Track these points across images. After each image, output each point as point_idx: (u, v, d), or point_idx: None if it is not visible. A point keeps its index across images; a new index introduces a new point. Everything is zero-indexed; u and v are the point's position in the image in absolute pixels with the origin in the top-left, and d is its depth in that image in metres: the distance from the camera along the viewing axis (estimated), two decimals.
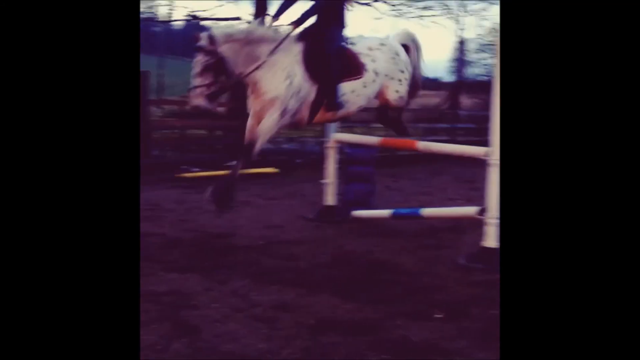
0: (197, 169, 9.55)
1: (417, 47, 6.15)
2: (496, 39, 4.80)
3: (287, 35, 5.25)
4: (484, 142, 4.98)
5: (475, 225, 5.10)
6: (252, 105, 5.32)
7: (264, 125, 5.19)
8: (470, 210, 5.23)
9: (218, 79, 5.00)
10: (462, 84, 18.50)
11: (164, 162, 10.15)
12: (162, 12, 16.70)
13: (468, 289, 4.30)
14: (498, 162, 4.56)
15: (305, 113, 5.37)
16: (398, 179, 9.80)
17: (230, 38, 5.06)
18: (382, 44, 5.75)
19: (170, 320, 3.54)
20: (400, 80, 5.78)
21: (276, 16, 5.46)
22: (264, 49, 5.16)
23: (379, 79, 5.63)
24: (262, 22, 5.48)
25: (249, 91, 5.32)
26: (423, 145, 6.00)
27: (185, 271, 4.47)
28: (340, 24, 5.51)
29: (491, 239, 4.77)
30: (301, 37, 5.37)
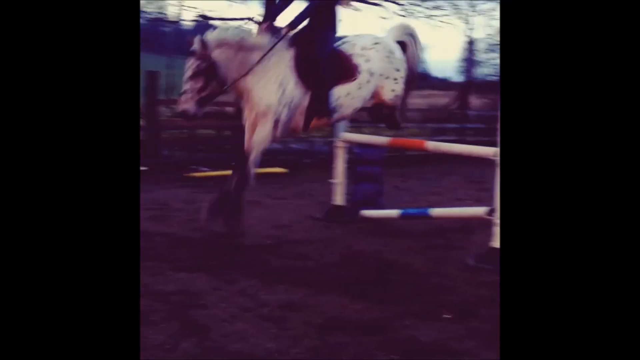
0: (206, 169, 9.57)
1: (415, 41, 6.02)
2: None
3: (278, 42, 5.18)
4: (493, 143, 4.96)
5: (484, 225, 5.08)
6: (247, 116, 5.26)
7: (257, 137, 5.13)
8: (479, 210, 5.21)
9: (209, 84, 4.97)
10: (472, 84, 18.45)
11: (173, 161, 10.18)
12: (171, 12, 16.76)
13: (477, 289, 4.29)
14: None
15: (300, 120, 5.32)
16: (407, 179, 9.78)
17: (223, 43, 5.02)
18: (376, 43, 5.63)
19: (178, 319, 3.54)
20: (396, 79, 5.69)
21: (268, 19, 5.40)
22: (258, 56, 5.12)
23: (373, 79, 5.54)
24: (258, 28, 5.47)
25: (243, 101, 5.27)
26: (432, 145, 5.99)
27: (193, 271, 4.47)
28: (332, 26, 5.44)
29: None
30: (292, 42, 5.30)
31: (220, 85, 5.09)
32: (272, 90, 5.12)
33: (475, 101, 16.58)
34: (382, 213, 6.40)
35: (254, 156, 5.13)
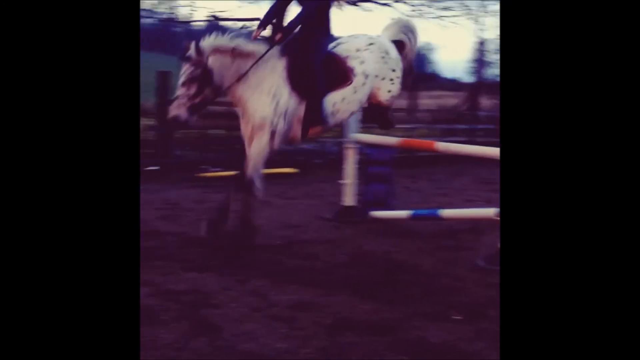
0: (217, 169, 9.60)
1: (413, 37, 5.90)
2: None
3: (269, 49, 5.08)
4: None
5: (494, 226, 5.07)
6: (244, 128, 5.19)
7: (253, 150, 5.07)
8: (489, 211, 5.21)
9: (202, 91, 4.88)
10: (482, 85, 18.41)
11: (185, 161, 10.21)
12: (183, 12, 16.82)
13: (486, 290, 4.29)
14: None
15: (297, 130, 5.24)
16: (417, 179, 9.78)
17: (218, 49, 4.94)
18: (371, 44, 5.52)
19: (189, 319, 3.56)
20: (392, 80, 5.59)
21: (262, 26, 5.29)
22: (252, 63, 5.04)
23: (369, 81, 5.44)
24: (252, 35, 5.28)
25: (240, 112, 5.19)
26: (442, 146, 5.99)
27: (204, 270, 4.50)
28: (326, 29, 5.34)
29: None
30: (285, 50, 5.19)
31: (214, 92, 5.01)
32: (266, 103, 5.04)
33: (485, 102, 16.53)
34: (392, 214, 6.41)
35: (252, 169, 5.06)
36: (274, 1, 5.44)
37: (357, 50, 5.44)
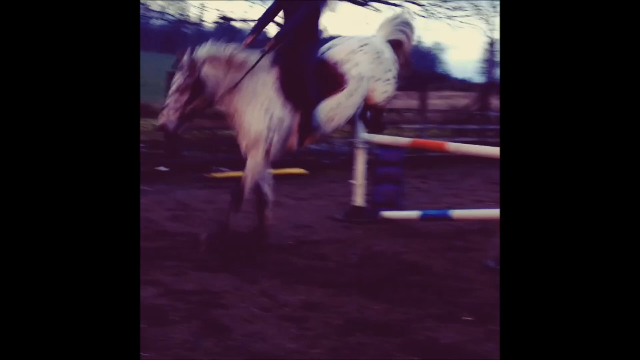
0: (227, 169, 9.62)
1: (410, 31, 5.80)
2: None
3: (259, 59, 4.96)
4: None
5: None
6: (240, 142, 5.12)
7: (249, 165, 5.02)
8: (499, 212, 5.18)
9: (193, 101, 4.78)
10: (492, 85, 18.34)
11: (194, 162, 10.24)
12: (193, 13, 16.87)
13: (496, 291, 4.26)
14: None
15: (293, 139, 5.18)
16: (427, 180, 9.76)
17: (212, 59, 4.84)
18: (364, 45, 5.41)
19: (199, 319, 3.57)
20: (387, 80, 5.50)
21: (253, 33, 5.18)
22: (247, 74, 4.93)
23: (363, 84, 5.35)
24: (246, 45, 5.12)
25: (235, 127, 5.11)
26: (453, 146, 5.97)
27: (214, 270, 4.50)
28: (316, 37, 5.23)
29: None
30: (275, 61, 5.07)
31: (205, 103, 4.91)
32: (260, 118, 4.96)
33: (496, 102, 16.47)
34: (402, 214, 6.40)
35: (248, 185, 5.01)
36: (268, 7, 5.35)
37: (350, 53, 5.33)
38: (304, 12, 5.06)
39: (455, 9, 16.40)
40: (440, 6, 16.06)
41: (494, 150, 5.79)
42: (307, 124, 5.10)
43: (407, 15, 6.05)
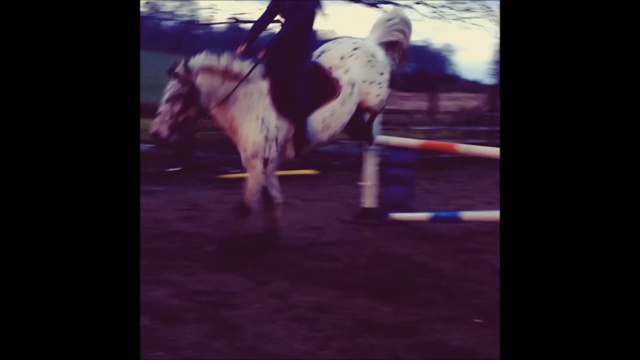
0: (238, 170, 9.64)
1: (407, 30, 5.67)
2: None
3: (252, 70, 4.88)
4: None
5: None
6: (241, 154, 5.07)
7: (251, 176, 4.99)
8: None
9: (186, 110, 4.72)
10: None
11: (205, 162, 10.27)
12: (204, 14, 16.92)
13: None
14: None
15: (290, 149, 5.12)
16: (437, 181, 9.76)
17: (207, 69, 4.79)
18: (355, 49, 5.30)
19: (210, 319, 3.59)
20: (380, 83, 5.38)
21: (246, 41, 5.08)
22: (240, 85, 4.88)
23: (356, 89, 5.25)
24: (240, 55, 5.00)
25: (234, 139, 5.07)
26: (463, 148, 5.97)
27: (225, 271, 4.52)
28: (307, 45, 5.13)
29: None
30: (267, 72, 4.99)
31: (199, 113, 4.86)
32: (257, 132, 4.91)
33: None
34: (412, 216, 6.40)
35: (249, 199, 4.98)
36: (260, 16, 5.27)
37: (342, 58, 5.24)
38: (297, 19, 4.99)
39: (465, 10, 16.39)
40: (451, 7, 16.06)
41: None
42: (300, 135, 5.04)
43: (401, 13, 5.89)
